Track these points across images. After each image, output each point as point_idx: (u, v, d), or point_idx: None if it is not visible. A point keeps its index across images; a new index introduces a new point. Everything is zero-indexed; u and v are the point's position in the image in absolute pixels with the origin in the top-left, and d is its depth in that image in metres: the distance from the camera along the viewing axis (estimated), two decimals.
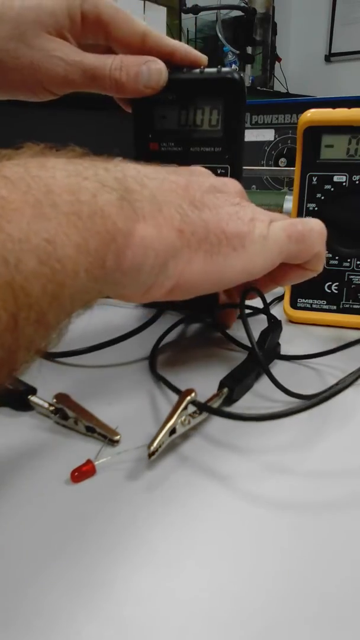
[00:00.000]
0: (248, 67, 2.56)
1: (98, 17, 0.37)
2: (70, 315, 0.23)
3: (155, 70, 0.38)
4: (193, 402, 0.28)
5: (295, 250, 0.32)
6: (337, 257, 0.44)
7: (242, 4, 2.50)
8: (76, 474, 0.25)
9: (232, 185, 0.32)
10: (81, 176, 0.23)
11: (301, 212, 0.44)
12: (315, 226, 0.32)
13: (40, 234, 0.19)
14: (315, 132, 0.42)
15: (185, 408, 0.28)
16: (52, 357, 0.38)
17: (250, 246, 0.29)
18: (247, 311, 0.43)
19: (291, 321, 0.46)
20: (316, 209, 0.43)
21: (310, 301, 0.45)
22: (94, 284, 0.23)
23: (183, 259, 0.27)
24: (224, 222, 0.28)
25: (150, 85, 0.38)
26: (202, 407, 0.28)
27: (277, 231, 0.30)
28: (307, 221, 0.32)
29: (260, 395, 0.34)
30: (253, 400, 0.33)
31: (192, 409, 0.28)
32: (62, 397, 0.30)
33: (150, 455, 0.26)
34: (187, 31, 2.66)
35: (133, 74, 0.38)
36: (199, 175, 0.31)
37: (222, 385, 0.32)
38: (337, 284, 0.44)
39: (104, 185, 0.23)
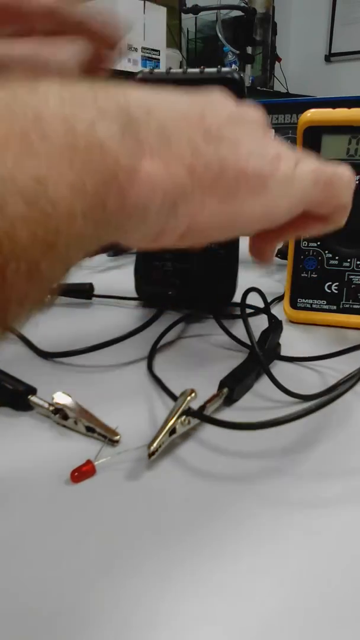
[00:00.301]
0: (248, 67, 2.56)
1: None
2: (69, 265, 0.21)
3: None
4: (187, 411, 0.28)
5: (321, 198, 0.29)
6: (337, 257, 0.44)
7: (242, 4, 2.50)
8: (76, 474, 0.25)
9: (254, 114, 0.28)
10: (78, 102, 0.20)
11: None
12: (345, 173, 0.29)
13: (28, 172, 0.17)
14: (315, 132, 0.42)
15: (186, 409, 0.28)
16: (52, 357, 0.38)
17: (273, 189, 0.26)
18: (248, 311, 0.43)
19: (291, 321, 0.46)
20: None
21: (310, 301, 0.45)
22: (93, 229, 0.20)
23: (195, 201, 0.24)
24: (244, 160, 0.25)
25: None
26: (197, 416, 0.28)
27: (304, 174, 0.27)
28: (336, 167, 0.29)
29: (260, 395, 0.33)
30: (253, 400, 0.33)
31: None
32: (62, 397, 0.30)
33: (150, 455, 0.26)
34: (187, 31, 2.66)
35: None
36: (217, 102, 0.27)
37: (222, 385, 0.32)
38: (337, 284, 0.44)
39: (104, 114, 0.20)
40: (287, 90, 2.95)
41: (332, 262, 0.44)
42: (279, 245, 0.32)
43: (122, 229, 0.22)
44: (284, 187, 0.26)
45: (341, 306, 0.45)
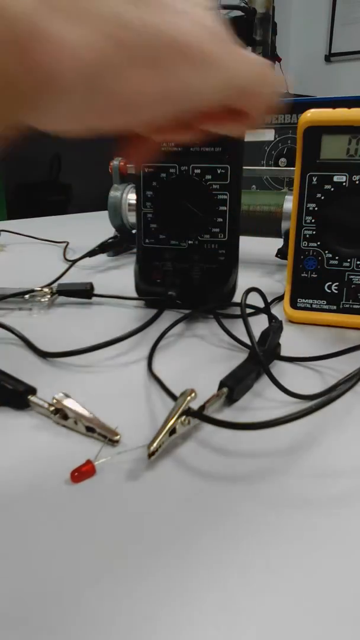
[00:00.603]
0: None
1: None
2: None
3: None
4: (187, 411, 0.28)
5: (249, 89, 0.27)
6: (337, 257, 0.44)
7: (242, 4, 2.50)
8: (76, 474, 0.25)
9: None
10: None
11: (301, 212, 0.44)
12: (272, 74, 0.27)
13: None
14: (315, 132, 0.42)
15: (186, 409, 0.28)
16: (52, 357, 0.38)
17: (211, 65, 0.24)
18: (249, 310, 0.44)
19: (291, 321, 0.46)
20: (316, 209, 0.43)
21: (310, 301, 0.45)
22: (2, 109, 0.19)
23: (122, 73, 0.21)
24: (179, 30, 0.22)
25: None
26: (197, 416, 0.28)
27: (241, 51, 0.25)
28: (265, 65, 0.27)
29: (260, 395, 0.33)
30: (253, 400, 0.33)
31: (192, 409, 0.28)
32: (62, 397, 0.30)
33: (150, 455, 0.26)
34: None
35: None
36: None
37: (222, 385, 0.32)
38: (337, 284, 0.44)
39: None
40: (287, 90, 2.95)
41: (332, 262, 0.44)
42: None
43: (39, 109, 0.20)
44: (221, 65, 0.24)
45: (341, 306, 0.45)
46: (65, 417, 0.29)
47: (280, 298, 0.50)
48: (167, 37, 0.22)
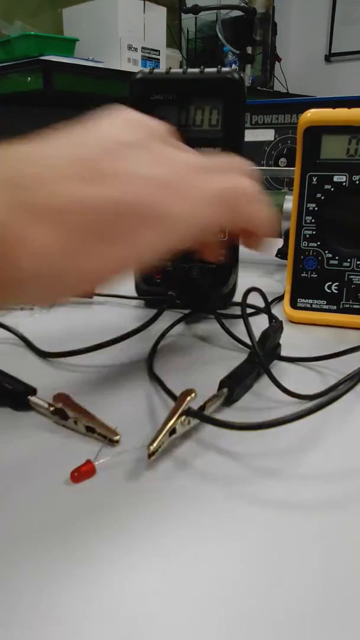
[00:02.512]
0: (248, 67, 2.56)
1: None
2: None
3: None
4: (188, 411, 0.28)
5: (229, 217, 0.28)
6: (337, 257, 0.44)
7: (242, 4, 2.50)
8: (76, 474, 0.25)
9: (151, 127, 0.27)
10: None
11: (301, 212, 0.44)
12: (247, 187, 0.27)
13: None
14: (315, 132, 0.42)
15: (186, 409, 0.28)
16: (52, 357, 0.38)
17: (168, 222, 0.25)
18: (249, 310, 0.43)
19: (291, 321, 0.46)
20: (316, 209, 0.43)
21: (310, 301, 0.45)
22: None
23: (82, 254, 0.23)
24: (132, 195, 0.23)
25: None
26: (197, 416, 0.28)
27: (200, 200, 0.26)
28: (236, 181, 0.28)
29: (260, 395, 0.33)
30: (253, 400, 0.33)
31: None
32: (62, 397, 0.30)
33: (150, 455, 0.26)
34: (187, 31, 2.66)
35: None
36: (103, 132, 0.25)
37: (222, 385, 0.32)
38: (337, 284, 0.44)
39: None
40: (287, 90, 2.95)
41: (332, 262, 0.44)
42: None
43: (10, 296, 0.23)
44: (180, 219, 0.25)
45: (341, 306, 0.45)
46: (65, 417, 0.29)
47: (280, 298, 0.50)
48: (123, 206, 0.23)
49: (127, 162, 0.24)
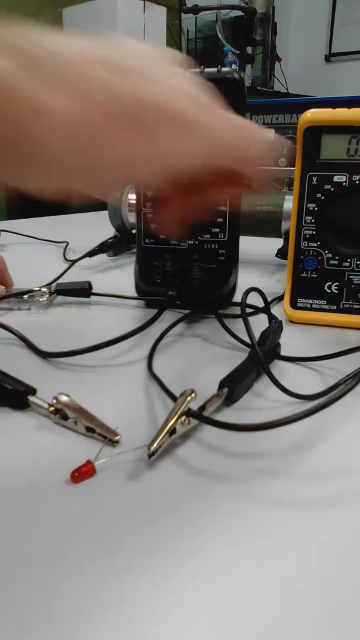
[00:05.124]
0: (248, 67, 2.56)
1: None
2: None
3: None
4: (187, 412, 0.28)
5: (239, 153, 0.27)
6: (337, 257, 0.44)
7: (242, 4, 2.50)
8: (76, 474, 0.25)
9: (168, 53, 0.26)
10: None
11: (301, 212, 0.44)
12: (263, 133, 0.27)
13: None
14: (315, 132, 0.42)
15: (186, 409, 0.28)
16: (52, 357, 0.38)
17: (194, 132, 0.24)
18: (249, 310, 0.43)
19: (291, 321, 0.46)
20: (316, 209, 0.43)
21: (310, 301, 0.45)
22: None
23: (109, 139, 0.22)
24: (161, 96, 0.23)
25: None
26: (197, 417, 0.28)
27: (222, 114, 0.26)
28: (255, 126, 0.28)
29: (260, 395, 0.33)
30: (253, 400, 0.33)
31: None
32: (62, 397, 0.30)
33: (150, 455, 0.26)
34: (187, 31, 2.66)
35: None
36: (122, 40, 0.25)
37: (222, 385, 0.32)
38: (337, 284, 0.44)
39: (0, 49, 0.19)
40: (287, 90, 2.96)
41: (332, 262, 0.44)
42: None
43: (28, 169, 0.21)
44: (208, 134, 0.25)
45: (341, 306, 0.45)
46: (65, 417, 0.29)
47: (280, 298, 0.50)
48: (153, 105, 0.23)
49: (156, 69, 0.24)
